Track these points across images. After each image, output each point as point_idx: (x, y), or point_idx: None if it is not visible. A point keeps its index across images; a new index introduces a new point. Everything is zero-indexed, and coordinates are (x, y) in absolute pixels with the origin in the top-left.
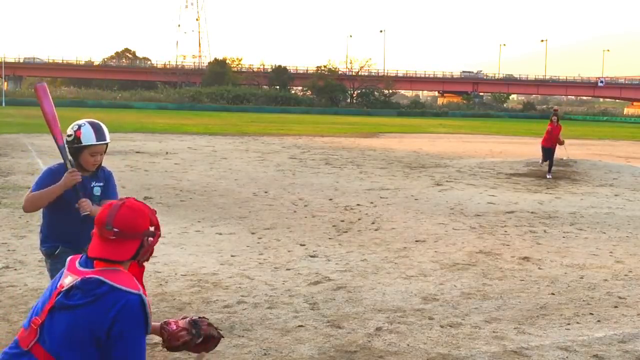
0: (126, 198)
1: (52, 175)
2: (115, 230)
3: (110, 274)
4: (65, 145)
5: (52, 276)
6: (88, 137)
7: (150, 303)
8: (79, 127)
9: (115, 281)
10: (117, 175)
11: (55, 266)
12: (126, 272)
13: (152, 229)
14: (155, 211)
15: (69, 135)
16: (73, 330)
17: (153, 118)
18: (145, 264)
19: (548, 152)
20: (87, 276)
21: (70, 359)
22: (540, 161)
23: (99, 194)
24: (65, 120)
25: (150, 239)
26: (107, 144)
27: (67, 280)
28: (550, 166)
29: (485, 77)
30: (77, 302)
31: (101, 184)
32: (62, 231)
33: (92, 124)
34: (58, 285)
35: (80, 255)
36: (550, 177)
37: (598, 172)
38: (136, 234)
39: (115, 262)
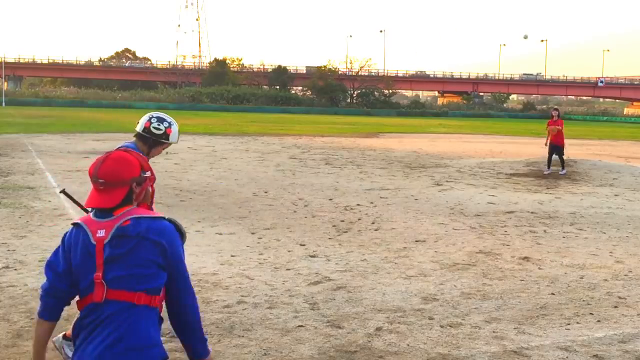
0: (113, 150)
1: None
2: (101, 181)
3: (134, 211)
4: None
5: None
6: (174, 136)
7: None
8: (170, 125)
9: (143, 213)
10: None
11: None
12: (143, 208)
13: (145, 174)
14: (147, 159)
15: (158, 129)
16: (136, 268)
17: None
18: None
19: (558, 149)
20: (120, 224)
21: (144, 285)
22: (546, 168)
23: None
24: (67, 120)
25: (139, 185)
26: None
27: (101, 233)
28: (563, 162)
29: (543, 79)
30: (127, 248)
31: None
32: None
33: (176, 125)
34: (95, 241)
35: (88, 215)
36: (565, 172)
37: (598, 172)
38: (121, 181)
39: (112, 209)
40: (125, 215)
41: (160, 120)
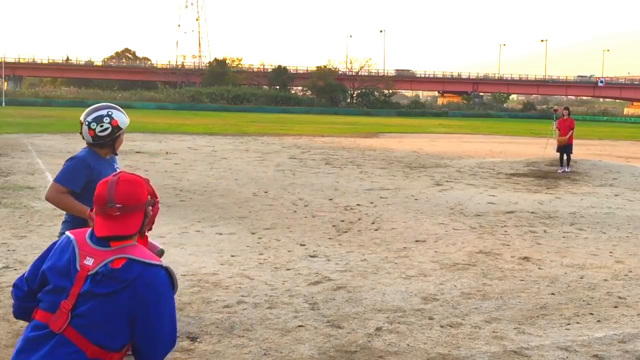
0: (119, 172)
1: (84, 169)
2: (119, 205)
3: (133, 250)
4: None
5: None
6: (123, 120)
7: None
8: (110, 116)
9: (143, 256)
10: None
11: None
12: (141, 246)
13: (149, 197)
14: (149, 180)
15: (104, 130)
16: (109, 315)
17: (153, 118)
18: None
19: (567, 148)
20: (112, 263)
21: (105, 340)
22: (560, 167)
23: (118, 166)
24: (67, 120)
25: (151, 208)
26: None
27: (89, 261)
28: (569, 160)
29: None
30: (108, 290)
31: (115, 162)
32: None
33: (115, 107)
34: (79, 267)
35: (84, 230)
36: (569, 170)
37: (598, 172)
38: (139, 205)
39: (126, 237)
40: (122, 252)
41: (99, 120)
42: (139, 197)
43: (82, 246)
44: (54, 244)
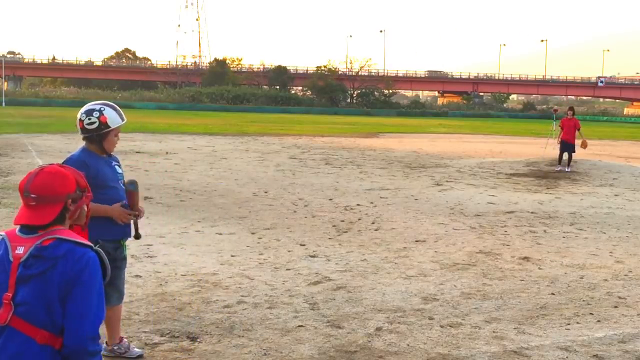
0: (47, 164)
1: (81, 168)
2: (33, 196)
3: (61, 232)
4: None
5: None
6: (114, 119)
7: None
8: (100, 112)
9: (70, 236)
10: None
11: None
12: (71, 231)
13: (81, 191)
14: (83, 174)
15: (91, 123)
16: (45, 295)
17: (153, 118)
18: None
19: (569, 147)
20: (39, 243)
21: (49, 322)
22: (558, 166)
23: (120, 171)
24: (67, 120)
25: (75, 202)
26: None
27: (20, 250)
28: (569, 159)
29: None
30: (39, 270)
31: (118, 163)
32: (107, 224)
33: (111, 106)
34: (12, 257)
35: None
36: (569, 170)
37: (598, 172)
38: (55, 197)
39: (43, 227)
40: (50, 234)
41: (89, 113)
42: (57, 189)
43: (12, 239)
44: None
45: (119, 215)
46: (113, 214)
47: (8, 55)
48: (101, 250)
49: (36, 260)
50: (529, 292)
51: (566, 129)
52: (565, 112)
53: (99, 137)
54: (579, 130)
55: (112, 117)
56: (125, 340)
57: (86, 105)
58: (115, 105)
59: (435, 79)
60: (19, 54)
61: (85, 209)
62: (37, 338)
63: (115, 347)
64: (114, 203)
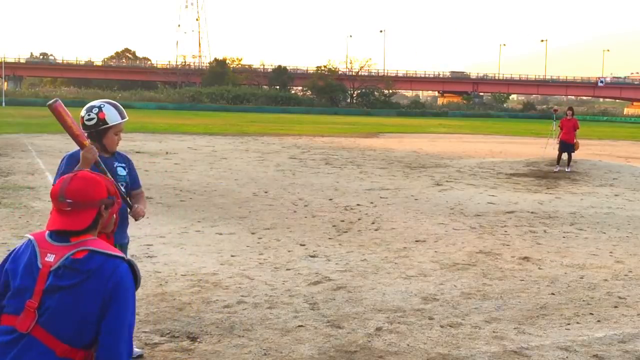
0: (79, 170)
1: (73, 159)
2: (69, 201)
3: (93, 243)
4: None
5: None
6: (113, 116)
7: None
8: (100, 108)
9: (102, 247)
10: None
11: None
12: (103, 240)
13: (112, 198)
14: (113, 181)
15: (90, 119)
16: (74, 308)
17: (153, 118)
18: (136, 256)
19: (568, 147)
20: (74, 255)
21: (73, 336)
22: (556, 167)
23: (124, 173)
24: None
25: (107, 207)
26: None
27: (50, 258)
28: (569, 160)
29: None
30: (72, 282)
31: (123, 164)
32: None
33: (112, 103)
34: (41, 264)
35: (43, 231)
36: (569, 170)
37: (598, 172)
38: (90, 202)
39: (77, 232)
40: (82, 245)
41: (89, 109)
42: (91, 194)
43: (42, 244)
44: (16, 247)
45: (84, 158)
46: (83, 164)
47: (40, 57)
48: (133, 260)
49: (69, 271)
50: (529, 292)
51: (565, 129)
52: (565, 112)
53: (97, 134)
54: (576, 130)
55: (111, 115)
56: None
57: (91, 103)
58: (117, 104)
59: (435, 79)
60: (51, 55)
61: (115, 217)
62: (57, 350)
63: None
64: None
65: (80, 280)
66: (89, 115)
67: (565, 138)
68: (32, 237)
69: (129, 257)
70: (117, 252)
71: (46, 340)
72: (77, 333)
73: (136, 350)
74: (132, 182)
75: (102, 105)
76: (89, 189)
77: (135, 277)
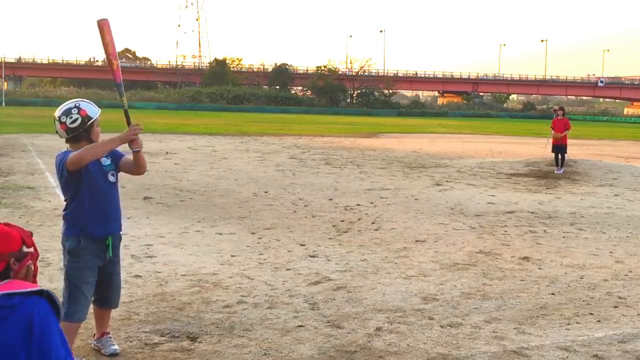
0: None
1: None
2: None
3: (8, 285)
4: (122, 84)
5: (68, 273)
6: (92, 110)
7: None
8: (78, 107)
9: (18, 288)
10: (118, 175)
11: (74, 264)
12: (17, 280)
13: (25, 249)
14: (31, 233)
15: (74, 121)
16: (2, 343)
17: (153, 118)
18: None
19: (561, 148)
20: None
21: None
22: (556, 168)
23: (108, 162)
24: None
25: (19, 261)
26: None
27: None
28: (562, 160)
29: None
30: None
31: (106, 154)
32: (91, 210)
33: (83, 100)
34: None
35: None
36: (562, 171)
37: (598, 172)
38: None
39: None
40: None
41: (67, 113)
42: None
43: None
44: None
45: (128, 134)
46: (121, 139)
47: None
48: (51, 291)
49: None
50: (529, 292)
51: (558, 129)
52: (556, 111)
53: (85, 131)
54: (567, 130)
55: (90, 108)
56: (108, 336)
57: (59, 110)
58: (85, 99)
59: (435, 79)
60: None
61: (32, 267)
62: None
63: (95, 342)
64: (100, 201)
65: (5, 315)
66: (70, 118)
67: (556, 142)
68: None
69: (120, 260)
70: (34, 287)
71: None
72: None
73: (112, 347)
74: (118, 156)
75: (77, 104)
76: None
77: (57, 309)
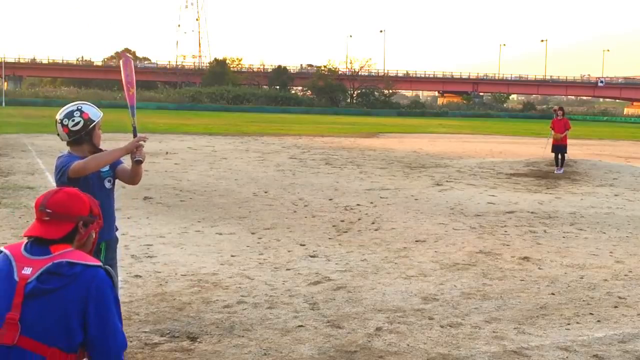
0: (66, 187)
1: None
2: (48, 211)
3: (71, 254)
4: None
5: None
6: (94, 112)
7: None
8: (80, 110)
9: (81, 259)
10: (115, 182)
11: None
12: (79, 251)
13: (93, 217)
14: (98, 203)
15: (76, 124)
16: (59, 313)
17: (153, 118)
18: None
19: (561, 148)
20: (56, 260)
21: (63, 340)
22: (556, 168)
23: (106, 169)
24: None
25: (85, 226)
26: None
27: (27, 271)
28: (562, 161)
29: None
30: (55, 285)
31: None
32: None
33: (85, 103)
34: (17, 277)
35: (19, 244)
36: (562, 171)
37: (598, 172)
38: (68, 216)
39: (52, 241)
40: (60, 257)
41: (69, 115)
42: (71, 208)
43: (18, 258)
44: None
45: (132, 145)
46: (126, 150)
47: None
48: (109, 267)
49: (52, 276)
50: (529, 292)
51: (557, 130)
52: (556, 111)
53: (87, 134)
54: (567, 130)
55: (92, 111)
56: None
57: (62, 111)
58: (87, 102)
59: (435, 79)
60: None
61: (94, 235)
62: (48, 356)
63: None
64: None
65: (63, 284)
66: (73, 120)
67: (556, 142)
68: (7, 251)
69: (119, 258)
70: (95, 262)
71: (35, 349)
72: (64, 337)
73: None
74: (116, 163)
75: (80, 107)
76: (70, 204)
77: (112, 282)
